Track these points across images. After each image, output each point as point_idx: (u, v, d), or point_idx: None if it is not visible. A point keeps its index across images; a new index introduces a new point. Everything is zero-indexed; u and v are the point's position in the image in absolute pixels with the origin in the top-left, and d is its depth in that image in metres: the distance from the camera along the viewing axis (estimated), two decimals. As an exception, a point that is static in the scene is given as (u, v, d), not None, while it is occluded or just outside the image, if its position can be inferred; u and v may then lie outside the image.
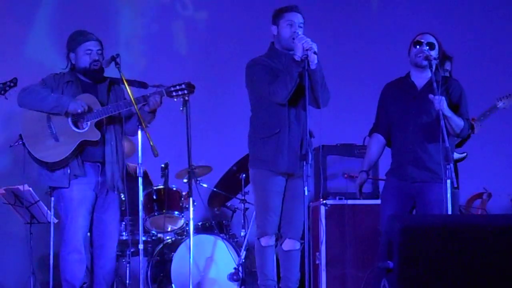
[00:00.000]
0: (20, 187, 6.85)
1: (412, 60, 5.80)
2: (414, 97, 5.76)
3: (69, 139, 5.75)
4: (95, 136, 5.77)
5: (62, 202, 5.82)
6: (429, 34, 5.81)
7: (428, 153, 5.70)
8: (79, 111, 5.72)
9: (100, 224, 5.88)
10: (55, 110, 5.73)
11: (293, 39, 5.65)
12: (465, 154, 6.41)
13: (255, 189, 5.84)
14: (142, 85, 5.87)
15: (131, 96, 5.73)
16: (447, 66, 6.48)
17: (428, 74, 5.71)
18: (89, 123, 5.77)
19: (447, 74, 6.35)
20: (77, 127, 5.78)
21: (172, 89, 5.85)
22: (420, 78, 5.79)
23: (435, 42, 5.76)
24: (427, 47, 5.73)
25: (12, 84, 6.03)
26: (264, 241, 5.76)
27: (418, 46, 5.75)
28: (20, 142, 5.83)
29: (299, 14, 5.79)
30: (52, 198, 5.96)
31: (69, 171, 5.75)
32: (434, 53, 5.72)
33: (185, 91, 5.88)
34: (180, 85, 5.87)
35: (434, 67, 5.65)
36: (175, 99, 5.90)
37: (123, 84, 5.75)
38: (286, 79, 5.61)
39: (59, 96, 5.76)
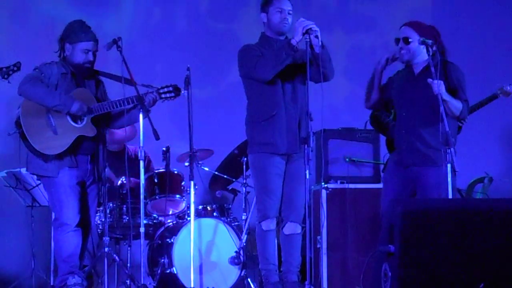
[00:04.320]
0: (22, 170, 6.85)
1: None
2: (410, 83, 5.76)
3: (66, 133, 5.79)
4: (92, 132, 5.84)
5: (53, 188, 5.86)
6: (407, 25, 5.75)
7: (422, 137, 5.68)
8: (79, 114, 5.78)
9: (85, 207, 5.95)
10: (58, 108, 5.76)
11: (282, 22, 5.73)
12: None
13: (254, 173, 5.85)
14: (130, 82, 5.87)
15: (138, 92, 5.83)
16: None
17: (424, 60, 5.68)
18: (85, 118, 5.81)
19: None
20: (74, 121, 5.82)
21: (162, 91, 5.98)
22: (417, 64, 5.77)
23: (410, 34, 5.69)
24: (403, 43, 5.71)
25: (15, 68, 6.04)
26: (265, 225, 5.77)
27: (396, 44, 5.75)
28: (18, 131, 5.81)
29: (288, 2, 5.81)
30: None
31: (61, 162, 5.78)
32: (412, 46, 5.68)
33: (172, 94, 6.02)
34: (168, 87, 6.01)
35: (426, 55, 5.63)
36: (162, 101, 6.03)
37: (125, 66, 5.80)
38: (271, 56, 5.63)
39: (64, 95, 5.77)
